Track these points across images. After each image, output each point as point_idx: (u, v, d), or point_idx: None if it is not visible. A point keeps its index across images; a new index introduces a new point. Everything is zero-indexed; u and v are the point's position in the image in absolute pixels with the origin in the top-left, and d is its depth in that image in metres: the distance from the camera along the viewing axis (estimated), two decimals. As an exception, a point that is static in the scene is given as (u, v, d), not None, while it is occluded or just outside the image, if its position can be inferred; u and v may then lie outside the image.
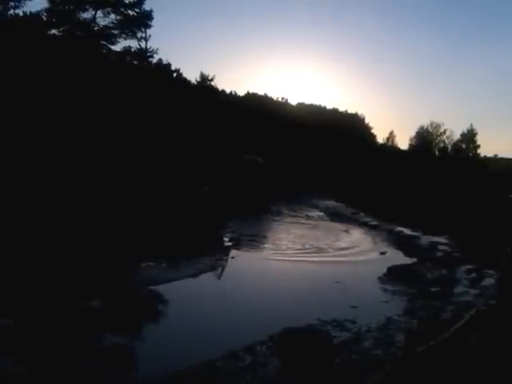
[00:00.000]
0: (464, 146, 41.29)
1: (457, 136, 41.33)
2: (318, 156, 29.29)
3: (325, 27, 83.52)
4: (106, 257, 7.89)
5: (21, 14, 19.85)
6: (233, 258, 9.55)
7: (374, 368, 4.52)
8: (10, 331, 5.26)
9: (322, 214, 18.34)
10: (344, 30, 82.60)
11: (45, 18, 20.48)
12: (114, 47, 22.52)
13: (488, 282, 8.29)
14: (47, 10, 20.75)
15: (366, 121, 42.40)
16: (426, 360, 3.59)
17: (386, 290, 7.94)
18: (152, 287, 7.21)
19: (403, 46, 76.96)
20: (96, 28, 21.65)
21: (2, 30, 16.71)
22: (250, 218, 15.15)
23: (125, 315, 6.22)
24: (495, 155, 44.50)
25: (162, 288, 7.21)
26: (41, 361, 4.76)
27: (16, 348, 4.90)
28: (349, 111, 41.27)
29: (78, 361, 4.70)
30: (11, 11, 19.79)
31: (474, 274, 8.79)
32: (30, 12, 20.02)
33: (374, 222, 15.81)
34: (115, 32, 22.14)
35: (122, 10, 21.97)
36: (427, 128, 41.65)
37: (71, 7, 21.14)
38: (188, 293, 7.39)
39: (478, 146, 41.02)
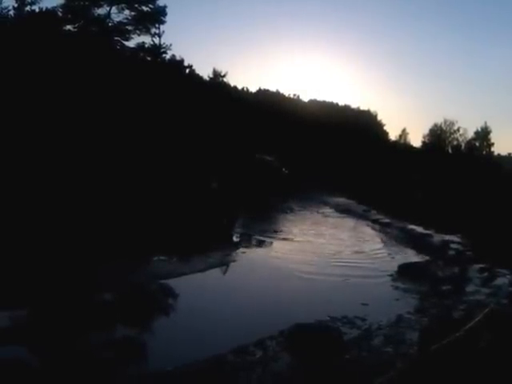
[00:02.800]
0: (478, 144, 40.78)
1: (470, 134, 40.85)
2: (329, 153, 29.19)
3: (337, 23, 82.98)
4: (118, 251, 7.96)
5: (37, 10, 20.10)
6: (243, 253, 9.59)
7: (383, 365, 4.51)
8: (23, 321, 5.36)
9: (332, 210, 18.29)
10: (356, 26, 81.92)
11: (60, 14, 20.70)
12: (127, 43, 22.69)
13: (501, 281, 8.20)
14: (63, 6, 20.98)
15: (379, 118, 42.19)
16: (440, 358, 3.57)
17: (397, 288, 7.90)
18: (163, 281, 7.29)
19: (417, 41, 76.07)
20: (110, 24, 21.81)
21: (19, 26, 16.92)
22: (259, 214, 15.16)
23: (136, 308, 6.29)
24: (509, 153, 44.00)
25: (172, 282, 7.27)
26: (53, 351, 4.85)
27: (29, 338, 4.99)
28: (361, 108, 41.13)
29: (89, 352, 4.76)
30: (28, 7, 20.05)
31: (486, 273, 8.70)
32: (46, 8, 20.25)
33: (386, 220, 15.73)
34: (129, 28, 22.31)
35: (136, 5, 22.13)
36: (441, 125, 41.22)
37: (86, 3, 21.34)
38: (198, 287, 7.43)
39: (492, 144, 40.54)
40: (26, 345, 4.81)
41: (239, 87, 34.27)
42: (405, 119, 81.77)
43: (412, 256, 10.78)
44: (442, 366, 3.65)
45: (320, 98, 40.21)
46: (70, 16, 21.04)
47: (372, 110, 42.01)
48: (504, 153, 44.21)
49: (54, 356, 4.75)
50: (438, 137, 41.23)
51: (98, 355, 4.71)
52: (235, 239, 10.84)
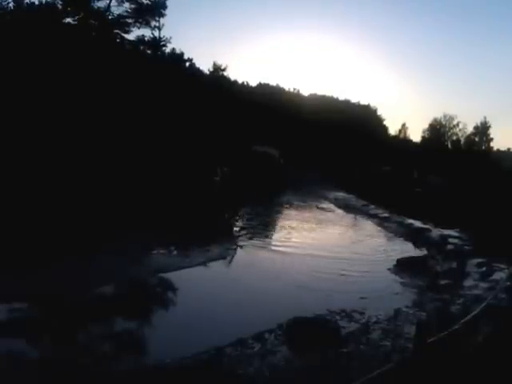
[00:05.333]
0: (477, 139, 40.73)
1: (470, 129, 40.81)
2: (328, 147, 29.21)
3: (338, 19, 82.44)
4: (118, 244, 8.00)
5: (36, 2, 19.96)
6: (241, 247, 9.63)
7: (380, 359, 4.56)
8: (23, 314, 5.39)
9: (332, 205, 18.34)
10: (357, 22, 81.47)
11: (60, 7, 20.54)
12: (127, 36, 22.52)
13: (498, 275, 8.26)
14: (62, -1, 20.77)
15: (379, 112, 42.26)
16: (436, 351, 3.61)
17: (395, 282, 7.95)
18: (162, 274, 7.33)
19: (417, 37, 75.63)
20: (110, 17, 21.64)
21: (19, 19, 16.85)
22: (259, 208, 15.19)
23: (136, 302, 6.34)
24: (509, 149, 44.05)
25: (172, 275, 7.31)
26: (53, 344, 4.89)
27: (29, 331, 5.02)
28: (361, 103, 41.19)
29: (89, 345, 4.81)
30: (27, 0, 19.89)
31: (484, 268, 8.75)
32: (46, 0, 20.09)
33: (385, 214, 15.79)
34: (129, 21, 22.10)
35: (136, -2, 21.91)
36: (440, 120, 41.17)
37: (86, -5, 21.13)
38: (197, 281, 7.46)
39: (491, 140, 40.50)
40: (27, 337, 4.87)
41: (239, 81, 34.26)
42: (405, 114, 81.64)
43: (410, 250, 10.84)
44: (437, 359, 3.70)
45: (320, 92, 40.26)
46: (69, 8, 20.86)
47: (372, 104, 42.17)
48: (503, 148, 44.31)
49: (53, 348, 4.80)
50: (438, 131, 41.19)
51: (98, 347, 4.75)
52: (235, 233, 10.87)
